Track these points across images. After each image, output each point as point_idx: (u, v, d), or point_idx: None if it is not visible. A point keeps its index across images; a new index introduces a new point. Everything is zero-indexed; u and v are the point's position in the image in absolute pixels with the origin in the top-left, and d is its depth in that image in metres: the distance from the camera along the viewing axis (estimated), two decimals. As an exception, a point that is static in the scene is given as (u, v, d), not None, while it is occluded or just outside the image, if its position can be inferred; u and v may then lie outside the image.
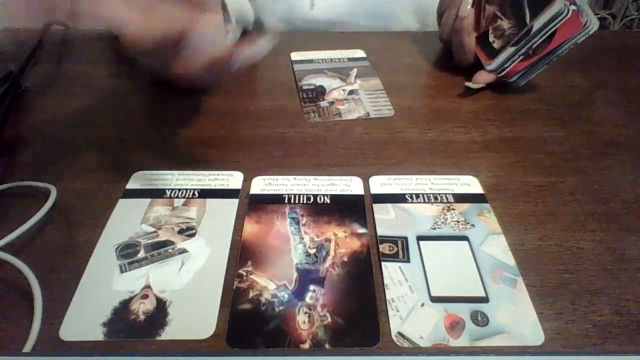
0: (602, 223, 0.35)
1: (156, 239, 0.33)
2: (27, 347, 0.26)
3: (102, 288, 0.30)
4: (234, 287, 0.30)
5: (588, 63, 0.56)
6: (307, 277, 0.31)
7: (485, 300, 0.29)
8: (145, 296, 0.29)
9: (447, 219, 0.35)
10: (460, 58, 0.52)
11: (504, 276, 0.31)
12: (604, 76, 0.54)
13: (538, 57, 0.47)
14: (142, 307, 0.29)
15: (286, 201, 0.36)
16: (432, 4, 0.65)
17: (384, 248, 0.33)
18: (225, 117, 0.46)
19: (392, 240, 0.33)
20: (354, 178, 0.39)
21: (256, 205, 0.36)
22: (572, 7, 0.44)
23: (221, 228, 0.34)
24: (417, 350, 0.27)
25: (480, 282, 0.31)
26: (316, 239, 0.33)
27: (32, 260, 0.31)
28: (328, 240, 0.33)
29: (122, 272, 0.31)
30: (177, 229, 0.34)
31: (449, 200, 0.37)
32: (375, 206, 0.36)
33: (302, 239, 0.33)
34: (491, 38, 0.49)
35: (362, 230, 0.34)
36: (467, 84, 0.49)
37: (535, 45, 0.46)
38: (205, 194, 0.37)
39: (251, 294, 0.30)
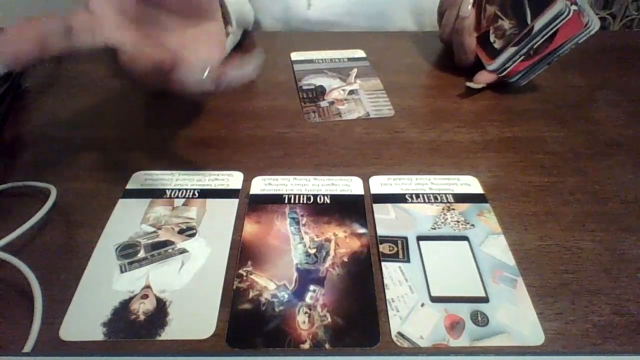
0: (602, 223, 0.35)
1: (156, 239, 0.33)
2: (27, 347, 0.26)
3: (102, 288, 0.30)
4: (234, 287, 0.30)
5: (588, 63, 0.56)
6: (307, 277, 0.31)
7: (485, 300, 0.30)
8: (145, 296, 0.29)
9: (447, 219, 0.35)
10: (460, 58, 0.52)
11: (504, 276, 0.31)
12: (604, 76, 0.54)
13: (539, 57, 0.47)
14: (142, 307, 0.29)
15: (286, 201, 0.36)
16: (428, 5, 0.65)
17: (384, 248, 0.33)
18: (225, 117, 0.46)
19: (392, 240, 0.33)
20: (354, 178, 0.39)
21: (256, 205, 0.36)
22: (573, 7, 0.44)
23: (221, 228, 0.34)
24: (417, 350, 0.27)
25: (480, 282, 0.31)
26: (316, 239, 0.33)
27: (32, 260, 0.31)
28: (328, 240, 0.33)
29: (122, 272, 0.31)
30: (177, 229, 0.34)
31: (449, 200, 0.37)
32: (375, 206, 0.36)
33: (302, 239, 0.33)
34: (492, 38, 0.49)
35: (362, 230, 0.34)
36: (468, 84, 0.49)
37: (536, 45, 0.46)
38: (205, 194, 0.37)
39: (251, 294, 0.30)
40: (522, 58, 0.47)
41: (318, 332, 0.28)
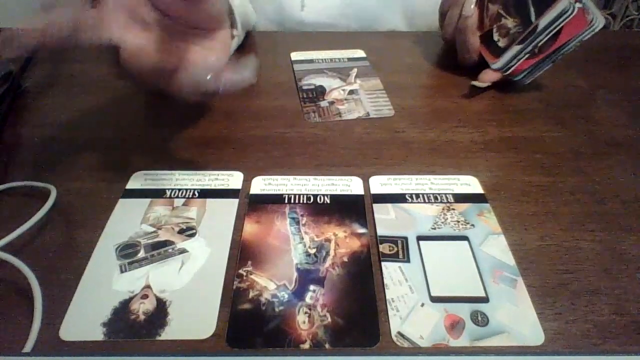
0: (602, 223, 0.35)
1: (156, 239, 0.33)
2: (27, 347, 0.26)
3: (102, 288, 0.30)
4: (234, 287, 0.30)
5: (588, 63, 0.56)
6: (307, 277, 0.31)
7: (485, 300, 0.30)
8: (145, 296, 0.29)
9: (447, 219, 0.35)
10: (464, 57, 0.52)
11: (504, 276, 0.31)
12: (604, 76, 0.54)
13: (544, 56, 0.47)
14: (142, 307, 0.29)
15: (286, 201, 0.36)
16: (420, 6, 0.66)
17: (384, 248, 0.33)
18: (225, 117, 0.46)
19: (392, 240, 0.33)
20: (354, 178, 0.39)
21: (256, 205, 0.36)
22: (578, 5, 0.44)
23: (221, 228, 0.34)
24: (417, 350, 0.27)
25: (480, 282, 0.31)
26: (316, 239, 0.33)
27: (32, 260, 0.31)
28: (328, 240, 0.33)
29: (122, 272, 0.31)
30: (177, 229, 0.34)
31: (449, 200, 0.37)
32: (375, 206, 0.36)
33: (302, 239, 0.33)
34: (496, 37, 0.49)
35: (362, 230, 0.34)
36: (474, 82, 0.49)
37: (541, 43, 0.46)
38: (205, 194, 0.37)
39: (251, 294, 0.30)
40: (526, 56, 0.47)
41: (318, 332, 0.28)
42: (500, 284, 0.30)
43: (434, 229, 0.34)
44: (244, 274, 0.31)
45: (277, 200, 0.36)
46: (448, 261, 0.32)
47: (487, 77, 0.49)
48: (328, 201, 0.36)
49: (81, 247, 0.33)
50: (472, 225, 0.35)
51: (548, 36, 0.46)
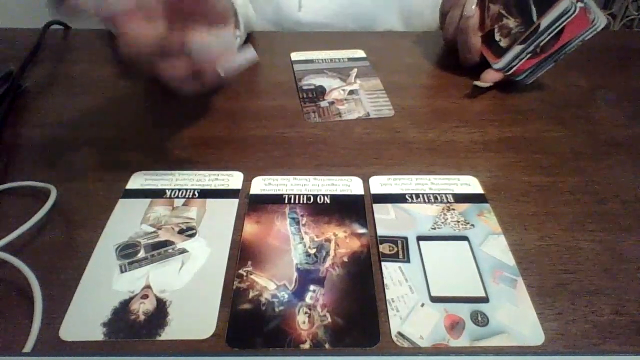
0: (602, 223, 0.35)
1: (156, 239, 0.33)
2: (27, 347, 0.26)
3: (102, 288, 0.30)
4: (234, 287, 0.30)
5: (588, 63, 0.56)
6: (307, 277, 0.31)
7: (485, 300, 0.30)
8: (145, 296, 0.29)
9: (447, 219, 0.35)
10: (465, 57, 0.52)
11: (504, 276, 0.31)
12: (604, 76, 0.54)
13: (546, 55, 0.47)
14: (142, 307, 0.29)
15: (286, 201, 0.36)
16: (416, 6, 0.66)
17: (384, 248, 0.33)
18: (225, 117, 0.46)
19: (392, 240, 0.33)
20: (354, 178, 0.39)
21: (256, 205, 0.36)
22: (579, 4, 0.44)
23: (221, 228, 0.34)
24: (417, 350, 0.27)
25: (480, 282, 0.31)
26: (316, 239, 0.33)
27: (32, 260, 0.31)
28: (328, 240, 0.33)
29: (122, 272, 0.31)
30: (177, 229, 0.34)
31: (449, 200, 0.37)
32: (375, 206, 0.36)
33: (302, 239, 0.33)
34: (497, 37, 0.49)
35: (362, 230, 0.34)
36: (476, 83, 0.49)
37: (542, 43, 0.46)
38: (205, 194, 0.37)
39: (251, 294, 0.30)
40: (528, 56, 0.47)
41: (318, 332, 0.28)
42: (500, 284, 0.30)
43: (434, 229, 0.34)
44: (244, 274, 0.31)
45: (277, 200, 0.36)
46: (448, 261, 0.32)
47: (490, 77, 0.49)
48: (328, 201, 0.36)
49: (81, 247, 0.33)
50: (472, 225, 0.35)
51: (550, 36, 0.46)
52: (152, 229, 0.34)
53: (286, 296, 0.30)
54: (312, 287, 0.30)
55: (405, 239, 0.33)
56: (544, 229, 0.35)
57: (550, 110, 0.48)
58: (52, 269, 0.31)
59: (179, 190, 0.37)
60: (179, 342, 0.27)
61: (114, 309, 0.29)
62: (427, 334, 0.28)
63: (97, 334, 0.27)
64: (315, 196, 0.37)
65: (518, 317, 0.29)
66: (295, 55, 0.56)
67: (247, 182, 0.38)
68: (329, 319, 0.28)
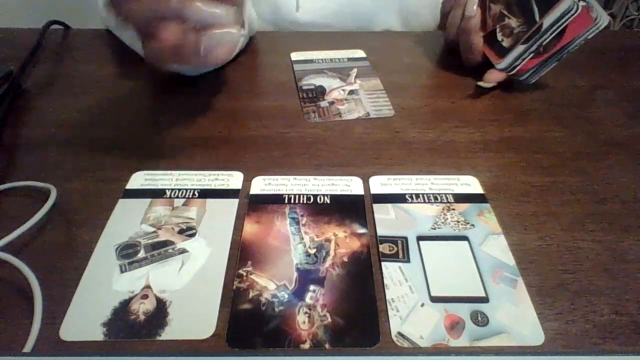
0: (602, 223, 0.35)
1: (156, 239, 0.33)
2: (27, 347, 0.26)
3: (102, 288, 0.30)
4: (234, 287, 0.30)
5: (588, 63, 0.56)
6: (307, 277, 0.31)
7: (485, 300, 0.30)
8: (145, 296, 0.29)
9: (447, 219, 0.35)
10: (468, 58, 0.52)
11: (504, 276, 0.31)
12: (604, 76, 0.54)
13: (549, 54, 0.47)
14: (142, 307, 0.29)
15: (286, 201, 0.36)
16: (414, 6, 0.66)
17: (384, 248, 0.33)
18: (225, 117, 0.46)
19: (392, 240, 0.33)
20: (354, 178, 0.39)
21: (256, 205, 0.36)
22: (582, 3, 0.44)
23: (221, 228, 0.34)
24: (417, 350, 0.27)
25: (480, 282, 0.31)
26: (316, 239, 0.33)
27: (32, 260, 0.31)
28: (328, 240, 0.33)
29: (122, 272, 0.31)
30: (177, 229, 0.34)
31: (449, 200, 0.37)
32: (375, 206, 0.36)
33: (302, 239, 0.33)
34: (499, 37, 0.49)
35: (362, 230, 0.34)
36: (479, 83, 0.49)
37: (545, 42, 0.46)
38: (205, 194, 0.37)
39: (251, 294, 0.30)
40: (531, 55, 0.47)
41: (318, 332, 0.28)
42: (500, 284, 0.30)
43: (434, 229, 0.34)
44: (244, 274, 0.31)
45: (277, 200, 0.36)
46: (448, 261, 0.32)
47: (493, 77, 0.49)
48: (328, 201, 0.36)
49: (81, 247, 0.33)
50: (472, 225, 0.35)
51: (553, 35, 0.46)
52: (152, 229, 0.34)
53: (286, 296, 0.30)
54: (312, 287, 0.30)
55: (405, 239, 0.33)
56: (544, 229, 0.35)
57: (550, 110, 0.48)
58: (52, 269, 0.31)
59: (179, 190, 0.37)
60: (179, 342, 0.27)
61: (114, 309, 0.29)
62: (427, 334, 0.28)
63: (97, 334, 0.27)
64: (315, 196, 0.37)
65: (518, 317, 0.29)
66: (295, 55, 0.56)
67: (247, 182, 0.38)
68: (329, 319, 0.28)
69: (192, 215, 0.35)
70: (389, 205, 0.36)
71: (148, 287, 0.30)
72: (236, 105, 0.47)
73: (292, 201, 0.36)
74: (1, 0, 0.86)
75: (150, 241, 0.33)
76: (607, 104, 0.49)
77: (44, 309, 0.28)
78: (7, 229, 0.32)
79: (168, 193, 0.37)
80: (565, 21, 0.45)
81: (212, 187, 0.37)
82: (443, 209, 0.36)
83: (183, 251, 0.32)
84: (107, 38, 0.58)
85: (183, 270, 0.31)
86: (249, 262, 0.32)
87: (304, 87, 0.51)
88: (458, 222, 0.35)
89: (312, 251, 0.32)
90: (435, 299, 0.30)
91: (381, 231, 0.34)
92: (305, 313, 0.29)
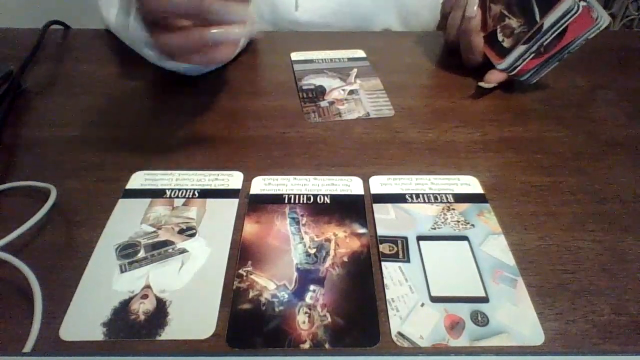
0: (602, 223, 0.35)
1: (156, 239, 0.33)
2: (27, 347, 0.26)
3: (102, 288, 0.30)
4: (234, 287, 0.30)
5: (588, 63, 0.56)
6: (307, 277, 0.31)
7: (485, 300, 0.30)
8: (145, 296, 0.29)
9: (447, 219, 0.35)
10: (468, 58, 0.52)
11: (504, 276, 0.31)
12: (604, 76, 0.54)
13: (550, 55, 0.47)
14: (142, 307, 0.29)
15: (286, 201, 0.36)
16: (413, 6, 0.66)
17: (384, 248, 0.33)
18: (225, 117, 0.46)
19: (392, 240, 0.33)
20: (354, 178, 0.39)
21: (256, 205, 0.36)
22: (582, 3, 0.44)
23: (221, 228, 0.34)
24: (417, 350, 0.27)
25: (480, 282, 0.31)
26: (316, 239, 0.33)
27: (32, 260, 0.31)
28: (328, 240, 0.33)
29: (122, 272, 0.31)
30: (177, 229, 0.34)
31: (449, 200, 0.37)
32: (375, 206, 0.36)
33: (302, 239, 0.33)
34: (500, 37, 0.49)
35: (362, 230, 0.34)
36: (480, 83, 0.49)
37: (546, 42, 0.46)
38: (205, 194, 0.37)
39: (251, 294, 0.30)
40: (532, 56, 0.47)
41: (318, 332, 0.28)
42: (500, 284, 0.30)
43: (434, 229, 0.34)
44: (244, 274, 0.31)
45: (277, 200, 0.36)
46: (448, 261, 0.32)
47: (493, 78, 0.49)
48: (328, 201, 0.36)
49: (81, 247, 0.33)
50: (472, 225, 0.35)
51: (553, 35, 0.46)
52: (152, 229, 0.34)
53: (286, 296, 0.30)
54: (312, 287, 0.30)
55: (405, 238, 0.33)
56: (544, 229, 0.35)
57: (550, 110, 0.48)
58: (52, 269, 0.31)
59: (179, 190, 0.37)
60: (179, 342, 0.27)
61: (114, 308, 0.29)
62: (427, 334, 0.28)
63: (97, 334, 0.27)
64: (315, 196, 0.37)
65: (518, 317, 0.29)
66: (295, 55, 0.56)
67: (247, 182, 0.38)
68: (329, 319, 0.28)
69: (192, 215, 0.35)
70: (389, 205, 0.36)
71: (148, 287, 0.30)
72: (236, 105, 0.47)
73: (292, 201, 0.36)
74: (1, 1, 0.86)
75: (150, 241, 0.33)
76: (607, 104, 0.49)
77: (44, 308, 0.28)
78: (7, 229, 0.32)
79: (168, 193, 0.37)
80: (566, 21, 0.45)
81: (212, 187, 0.37)
82: (443, 209, 0.36)
83: (183, 251, 0.32)
84: (107, 38, 0.58)
85: (183, 270, 0.31)
86: (249, 262, 0.32)
87: (304, 87, 0.51)
88: (458, 222, 0.35)
89: (312, 251, 0.32)
90: (435, 299, 0.30)
91: (381, 231, 0.34)
92: (305, 313, 0.29)
